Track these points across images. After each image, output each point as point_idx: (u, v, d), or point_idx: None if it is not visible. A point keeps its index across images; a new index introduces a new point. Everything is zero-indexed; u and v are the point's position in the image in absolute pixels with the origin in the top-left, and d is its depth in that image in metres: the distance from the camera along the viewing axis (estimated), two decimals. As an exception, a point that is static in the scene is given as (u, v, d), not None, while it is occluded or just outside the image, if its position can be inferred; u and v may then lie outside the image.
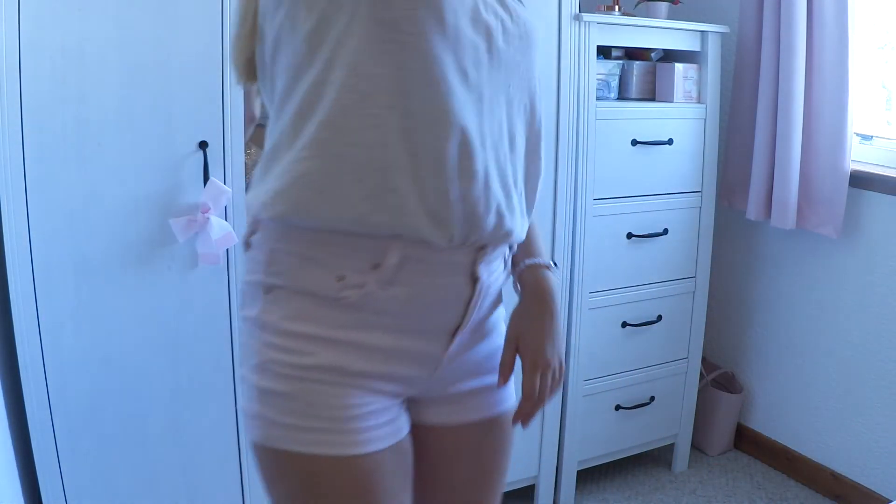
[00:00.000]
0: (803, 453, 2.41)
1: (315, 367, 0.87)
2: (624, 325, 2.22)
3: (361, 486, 0.88)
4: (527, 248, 1.04)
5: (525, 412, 1.00)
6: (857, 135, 2.23)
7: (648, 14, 2.24)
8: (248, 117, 2.10)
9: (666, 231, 2.23)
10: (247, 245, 0.94)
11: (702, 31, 2.20)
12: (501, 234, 0.92)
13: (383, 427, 0.91)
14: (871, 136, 2.26)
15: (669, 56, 2.26)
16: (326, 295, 0.87)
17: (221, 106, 1.59)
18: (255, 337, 0.90)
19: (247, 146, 2.23)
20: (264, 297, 0.89)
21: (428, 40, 0.81)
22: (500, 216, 0.90)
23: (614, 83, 2.14)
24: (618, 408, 2.27)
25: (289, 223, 0.86)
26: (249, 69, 0.95)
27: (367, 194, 0.83)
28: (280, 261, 0.88)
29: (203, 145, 1.58)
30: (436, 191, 0.84)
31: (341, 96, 0.81)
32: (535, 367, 1.00)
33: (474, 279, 0.92)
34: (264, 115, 0.96)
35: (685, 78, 2.19)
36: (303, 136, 0.83)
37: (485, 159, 0.87)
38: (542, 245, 1.06)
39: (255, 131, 2.11)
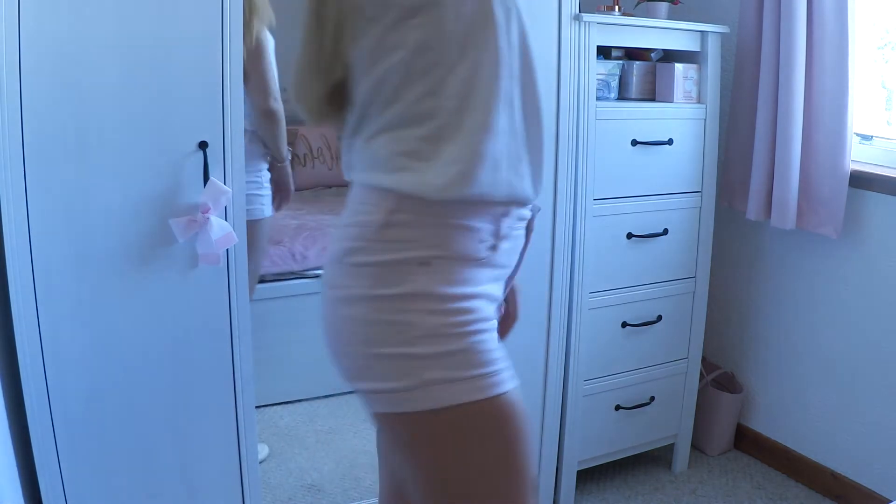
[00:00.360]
0: (803, 453, 2.41)
1: (480, 320, 1.01)
2: (624, 325, 2.22)
3: (523, 410, 1.03)
4: None
5: (509, 328, 1.24)
6: (857, 135, 2.23)
7: (648, 14, 2.24)
8: (264, 112, 2.12)
9: (666, 231, 2.23)
10: (386, 225, 0.98)
11: (702, 31, 2.20)
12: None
13: None
14: (871, 136, 2.26)
15: (669, 56, 2.26)
16: (475, 257, 1.02)
17: (221, 106, 1.59)
18: (412, 310, 0.97)
19: (287, 142, 2.28)
20: (421, 270, 0.98)
21: (527, 41, 1.03)
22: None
23: (614, 83, 2.14)
24: (618, 408, 2.27)
25: (459, 200, 0.98)
26: (338, 82, 1.07)
27: (510, 166, 1.02)
28: (437, 234, 0.99)
29: (203, 145, 1.58)
30: (538, 157, 1.06)
31: (492, 90, 0.99)
32: (515, 291, 1.22)
33: (529, 230, 1.12)
34: (364, 113, 1.03)
35: (685, 78, 2.19)
36: (467, 124, 0.98)
37: None
38: None
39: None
